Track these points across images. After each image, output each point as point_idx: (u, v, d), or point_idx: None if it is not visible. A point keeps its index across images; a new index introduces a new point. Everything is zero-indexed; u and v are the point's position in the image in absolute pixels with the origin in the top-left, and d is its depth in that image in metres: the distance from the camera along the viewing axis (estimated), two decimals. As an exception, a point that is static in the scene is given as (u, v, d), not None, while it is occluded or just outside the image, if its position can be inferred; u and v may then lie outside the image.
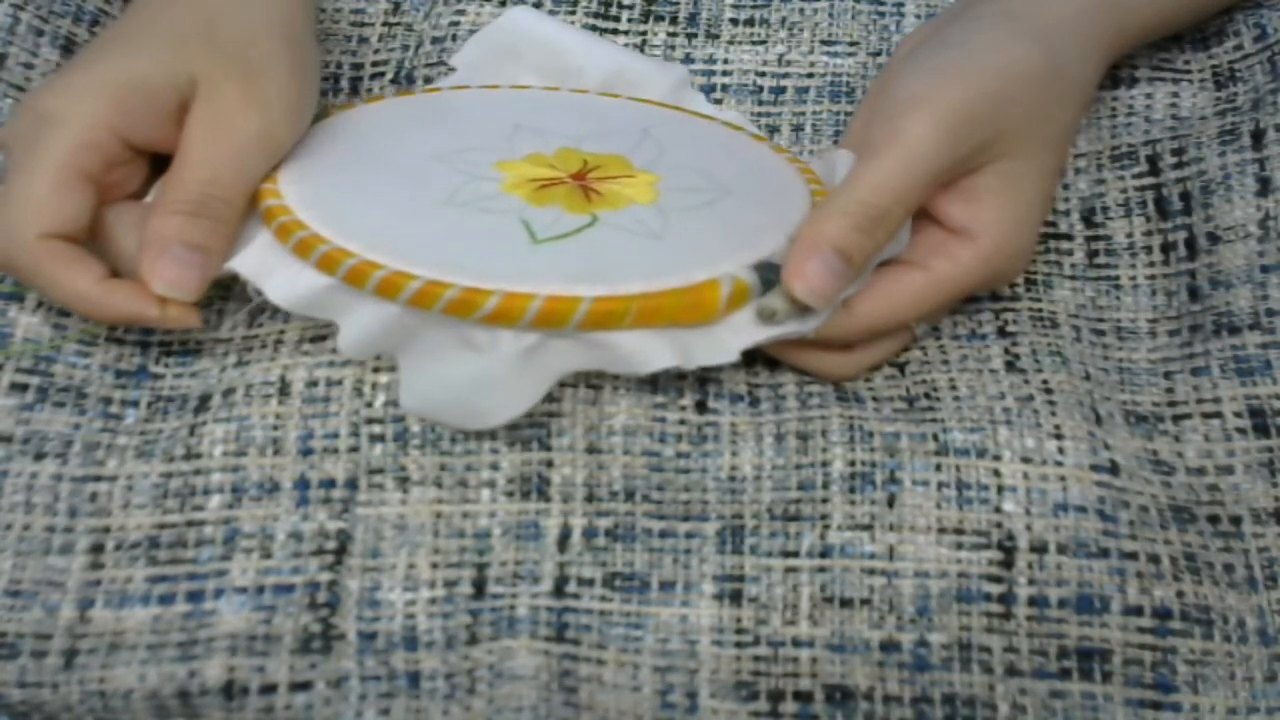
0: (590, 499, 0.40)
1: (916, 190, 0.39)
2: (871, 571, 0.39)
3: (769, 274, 0.39)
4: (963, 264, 0.40)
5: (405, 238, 0.39)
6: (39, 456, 0.40)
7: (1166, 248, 0.46)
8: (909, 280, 0.40)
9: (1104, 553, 0.39)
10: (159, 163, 0.42)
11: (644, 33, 0.52)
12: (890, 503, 0.39)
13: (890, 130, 0.39)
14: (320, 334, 0.42)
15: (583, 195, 0.42)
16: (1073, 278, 0.46)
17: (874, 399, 0.42)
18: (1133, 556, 0.39)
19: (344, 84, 0.52)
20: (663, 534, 0.40)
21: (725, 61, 0.51)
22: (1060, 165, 0.43)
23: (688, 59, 0.51)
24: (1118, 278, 0.46)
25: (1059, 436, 0.40)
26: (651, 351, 0.38)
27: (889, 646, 0.38)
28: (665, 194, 0.42)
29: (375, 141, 0.44)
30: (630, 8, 0.52)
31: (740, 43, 0.52)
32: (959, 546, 0.39)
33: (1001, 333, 0.43)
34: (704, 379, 0.41)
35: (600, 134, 0.46)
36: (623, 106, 0.48)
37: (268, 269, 0.40)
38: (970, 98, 0.39)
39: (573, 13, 0.52)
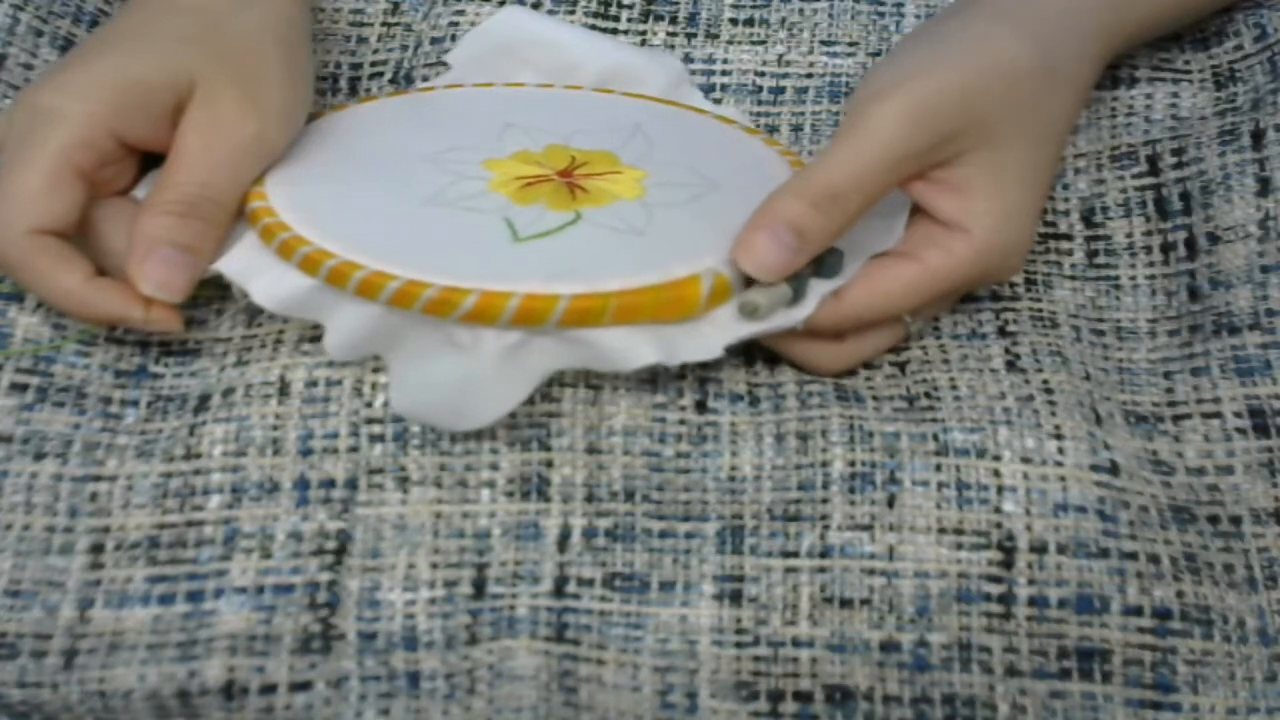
0: (590, 499, 0.40)
1: (874, 175, 0.39)
2: (871, 572, 0.39)
3: None
4: (956, 255, 0.40)
5: (387, 238, 0.39)
6: (39, 456, 0.40)
7: (1166, 248, 0.46)
8: (901, 270, 0.40)
9: (1104, 553, 0.39)
10: (148, 160, 0.42)
11: (643, 32, 0.52)
12: (890, 503, 0.39)
13: (854, 119, 0.39)
14: (319, 334, 0.42)
15: (568, 192, 0.42)
16: (1072, 278, 0.46)
17: (874, 398, 0.42)
18: (1133, 556, 0.39)
19: (342, 84, 0.52)
20: (663, 534, 0.40)
21: (725, 61, 0.51)
22: (1054, 160, 0.43)
23: (687, 59, 0.51)
24: (1117, 278, 0.46)
25: (1059, 437, 0.40)
26: (634, 348, 0.38)
27: (889, 647, 0.38)
28: (652, 190, 0.42)
29: (364, 143, 0.44)
30: (630, 7, 0.52)
31: (740, 43, 0.52)
32: (959, 547, 0.39)
33: (1002, 332, 0.43)
34: (704, 379, 0.41)
35: (591, 130, 0.46)
36: (616, 102, 0.48)
37: (253, 270, 0.40)
38: (936, 89, 0.39)
39: (572, 12, 0.52)
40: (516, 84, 0.49)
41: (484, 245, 0.39)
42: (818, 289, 0.40)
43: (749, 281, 0.39)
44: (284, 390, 0.41)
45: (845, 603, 0.38)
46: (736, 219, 0.40)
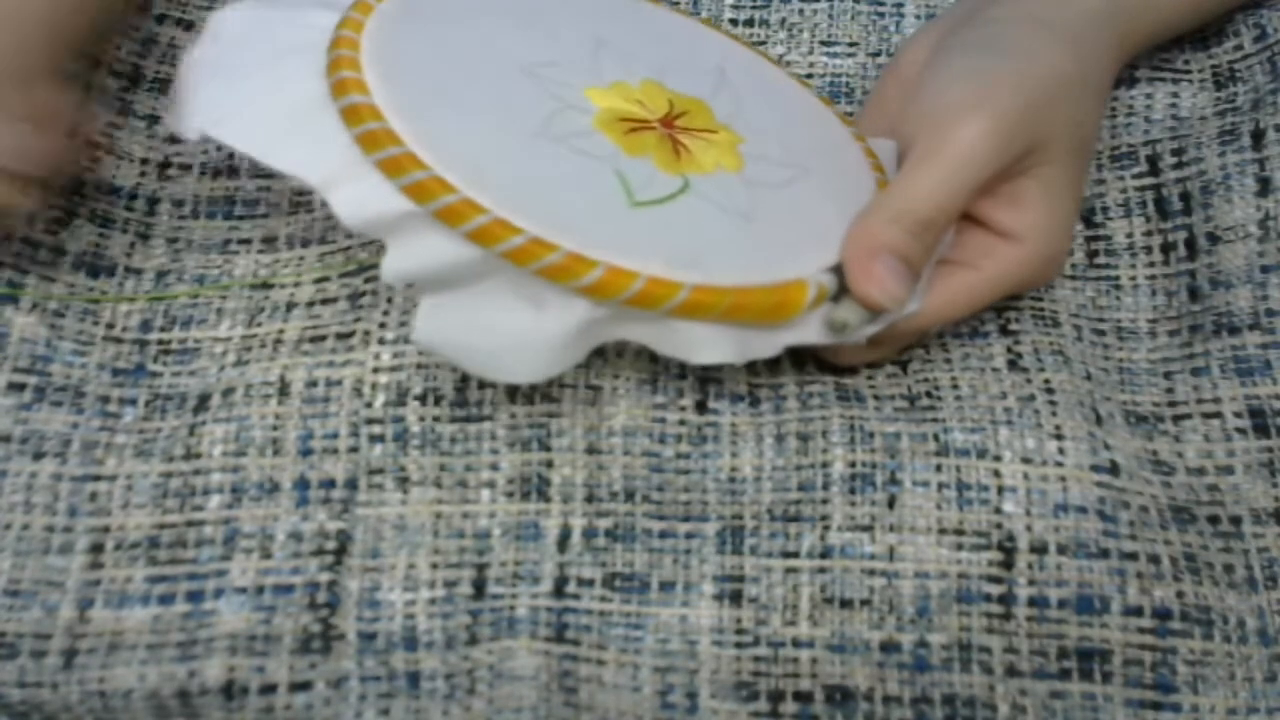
0: (590, 499, 0.40)
1: (961, 198, 0.39)
2: (871, 572, 0.39)
3: (844, 279, 0.39)
4: (1011, 262, 0.41)
5: (503, 174, 0.37)
6: (38, 456, 0.40)
7: (1166, 248, 0.46)
8: (963, 279, 0.41)
9: (1104, 553, 0.39)
10: None
11: (644, 32, 0.52)
12: (890, 503, 0.39)
13: (938, 139, 0.39)
14: (320, 334, 0.42)
15: (672, 149, 0.41)
16: (1073, 277, 0.46)
17: (875, 398, 0.42)
18: (1133, 557, 0.39)
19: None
20: (663, 534, 0.40)
21: (725, 61, 0.51)
22: (1088, 168, 0.43)
23: (687, 58, 0.51)
24: (1118, 278, 0.46)
25: (1059, 437, 0.40)
26: (714, 344, 0.37)
27: (889, 647, 0.38)
28: (749, 162, 0.42)
29: (459, 34, 0.42)
30: (630, 7, 0.52)
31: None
32: (959, 547, 0.39)
33: (1004, 331, 0.43)
34: (704, 379, 0.41)
35: (678, 67, 0.44)
36: (694, 30, 0.47)
37: (339, 177, 0.36)
38: (1016, 108, 0.39)
39: (572, 12, 0.52)
40: None
41: (602, 204, 0.38)
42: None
43: (838, 292, 0.39)
44: (284, 390, 0.41)
45: (845, 603, 0.38)
46: (828, 216, 0.40)
